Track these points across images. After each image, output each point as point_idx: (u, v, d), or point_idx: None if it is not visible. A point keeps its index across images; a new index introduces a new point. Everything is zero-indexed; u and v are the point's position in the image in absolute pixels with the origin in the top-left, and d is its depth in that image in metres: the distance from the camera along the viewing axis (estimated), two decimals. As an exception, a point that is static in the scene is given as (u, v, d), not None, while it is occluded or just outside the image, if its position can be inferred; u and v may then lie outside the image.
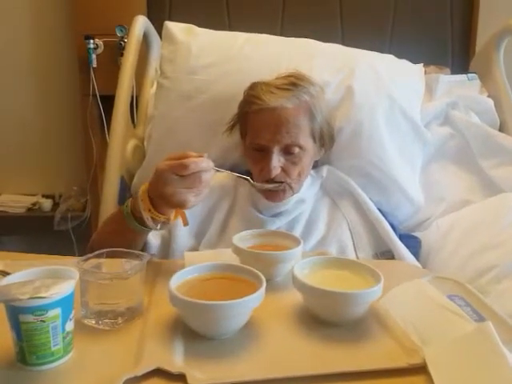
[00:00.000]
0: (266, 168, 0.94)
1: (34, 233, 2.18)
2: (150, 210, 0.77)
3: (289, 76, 0.98)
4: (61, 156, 2.37)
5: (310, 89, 0.98)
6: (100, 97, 2.10)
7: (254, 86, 0.98)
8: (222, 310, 0.54)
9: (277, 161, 0.94)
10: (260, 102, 0.93)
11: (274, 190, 0.97)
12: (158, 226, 0.80)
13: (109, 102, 1.87)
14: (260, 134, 0.95)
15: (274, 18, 1.83)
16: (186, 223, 0.84)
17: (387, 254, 1.01)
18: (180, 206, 0.76)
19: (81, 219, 2.16)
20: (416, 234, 1.12)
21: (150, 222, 0.78)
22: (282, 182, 0.96)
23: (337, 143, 1.09)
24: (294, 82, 0.96)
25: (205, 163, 0.73)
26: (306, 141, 0.96)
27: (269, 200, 0.99)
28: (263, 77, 0.99)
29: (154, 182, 0.77)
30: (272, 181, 0.96)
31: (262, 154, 0.96)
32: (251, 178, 1.02)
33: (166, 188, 0.74)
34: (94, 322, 0.60)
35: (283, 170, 0.96)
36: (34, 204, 2.26)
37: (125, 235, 0.82)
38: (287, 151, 0.95)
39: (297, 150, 0.95)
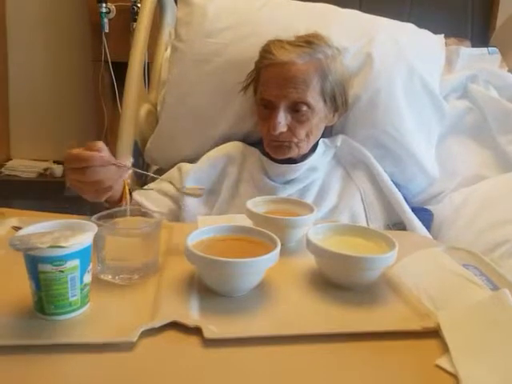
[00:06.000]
0: (272, 124, 0.93)
1: (46, 197, 2.20)
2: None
3: (306, 35, 0.98)
4: (72, 122, 2.37)
5: (325, 48, 0.96)
6: (111, 63, 2.08)
7: (268, 42, 0.98)
8: (238, 267, 0.55)
9: (283, 117, 0.93)
10: (271, 56, 0.93)
11: (279, 145, 0.97)
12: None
13: (120, 68, 1.85)
14: (268, 89, 0.95)
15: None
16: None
17: (399, 226, 1.01)
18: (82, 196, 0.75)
19: (92, 185, 2.17)
20: (429, 207, 1.11)
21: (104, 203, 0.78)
22: (283, 141, 0.96)
23: (353, 112, 1.07)
24: (308, 40, 0.96)
25: (96, 160, 0.68)
26: (316, 100, 0.95)
27: (273, 155, 0.99)
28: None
29: None
30: (278, 140, 0.96)
31: (269, 111, 0.96)
32: (262, 145, 1.01)
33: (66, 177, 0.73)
34: (110, 277, 0.60)
35: (290, 128, 0.95)
36: (45, 169, 2.28)
37: None
38: (294, 108, 0.94)
39: (304, 107, 0.94)
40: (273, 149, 0.98)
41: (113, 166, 0.70)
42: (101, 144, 0.70)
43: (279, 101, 0.93)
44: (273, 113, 0.94)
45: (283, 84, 0.92)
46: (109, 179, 0.71)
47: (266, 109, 0.97)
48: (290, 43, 0.95)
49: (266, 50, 0.96)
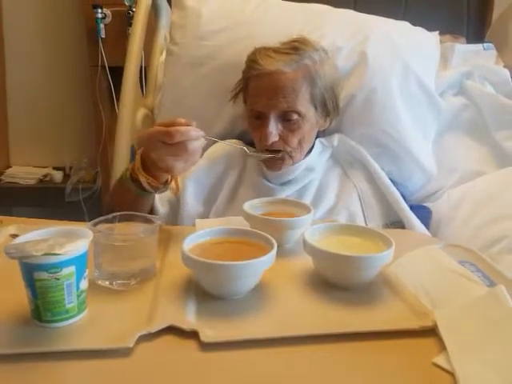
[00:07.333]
0: (263, 135, 0.93)
1: (46, 204, 2.20)
2: (142, 173, 0.78)
3: (292, 41, 0.96)
4: (70, 127, 2.37)
5: (312, 53, 0.95)
6: (108, 68, 2.09)
7: (254, 51, 0.96)
8: (234, 270, 0.55)
9: (274, 127, 0.92)
10: (258, 66, 0.92)
11: (272, 159, 0.96)
12: (156, 190, 0.81)
13: (117, 73, 1.85)
14: (257, 99, 0.94)
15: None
16: (176, 191, 0.85)
17: (397, 224, 1.01)
18: (167, 171, 0.77)
19: (91, 190, 2.18)
20: (427, 204, 1.11)
21: (145, 185, 0.79)
22: (279, 151, 0.95)
23: (349, 111, 1.07)
24: (295, 46, 0.94)
25: (193, 132, 0.72)
26: (306, 107, 0.94)
27: (268, 169, 0.99)
28: (275, 42, 0.97)
29: (144, 146, 0.77)
30: (270, 149, 0.95)
31: (260, 121, 0.95)
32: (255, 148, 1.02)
33: (152, 153, 0.74)
34: (107, 282, 0.61)
35: (281, 137, 0.94)
36: (45, 176, 2.28)
37: (129, 198, 0.82)
38: (285, 118, 0.93)
39: (295, 116, 0.93)
40: (267, 164, 0.98)
41: (202, 138, 0.74)
42: (184, 119, 0.73)
43: (269, 111, 0.92)
44: (263, 123, 0.93)
45: (272, 94, 0.91)
46: (199, 151, 0.75)
47: (256, 119, 0.96)
48: (275, 51, 0.93)
49: (252, 60, 0.94)
